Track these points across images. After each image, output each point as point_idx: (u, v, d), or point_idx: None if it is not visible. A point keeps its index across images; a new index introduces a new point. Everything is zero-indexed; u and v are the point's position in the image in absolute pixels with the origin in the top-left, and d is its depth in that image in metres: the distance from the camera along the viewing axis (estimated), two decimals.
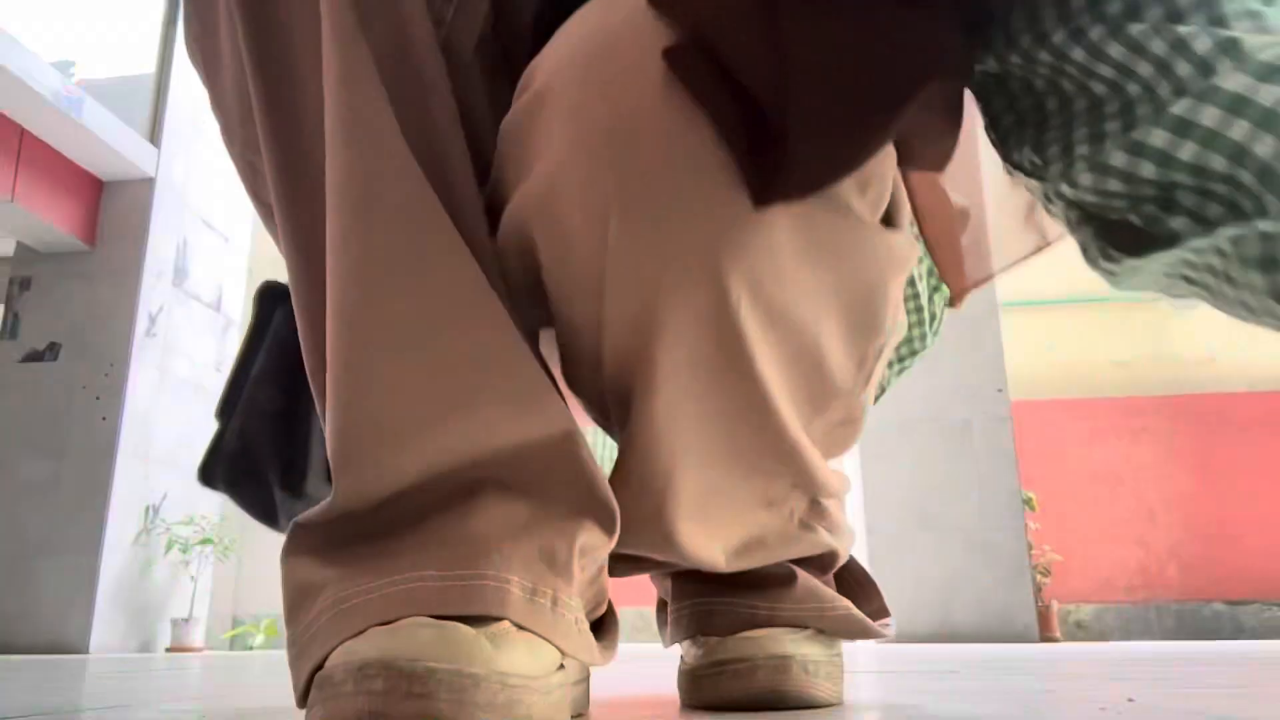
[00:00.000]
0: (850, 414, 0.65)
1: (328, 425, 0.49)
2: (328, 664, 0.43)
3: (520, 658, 0.45)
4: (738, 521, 0.64)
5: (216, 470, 0.81)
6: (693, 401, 0.56)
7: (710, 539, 0.63)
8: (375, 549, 0.47)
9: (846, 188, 0.52)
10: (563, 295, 0.56)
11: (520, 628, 0.46)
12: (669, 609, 0.75)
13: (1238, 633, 7.47)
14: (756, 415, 0.57)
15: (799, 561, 0.71)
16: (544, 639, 0.47)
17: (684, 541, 0.60)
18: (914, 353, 1.01)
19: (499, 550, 0.47)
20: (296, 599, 0.49)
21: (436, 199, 0.48)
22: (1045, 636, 4.59)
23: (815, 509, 0.68)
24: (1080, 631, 7.62)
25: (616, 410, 0.59)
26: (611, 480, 0.57)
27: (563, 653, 0.49)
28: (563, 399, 0.52)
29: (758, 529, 0.66)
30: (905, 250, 0.61)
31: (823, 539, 0.70)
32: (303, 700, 0.47)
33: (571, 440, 0.51)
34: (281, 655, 3.36)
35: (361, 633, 0.43)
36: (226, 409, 0.80)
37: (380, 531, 0.48)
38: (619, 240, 0.51)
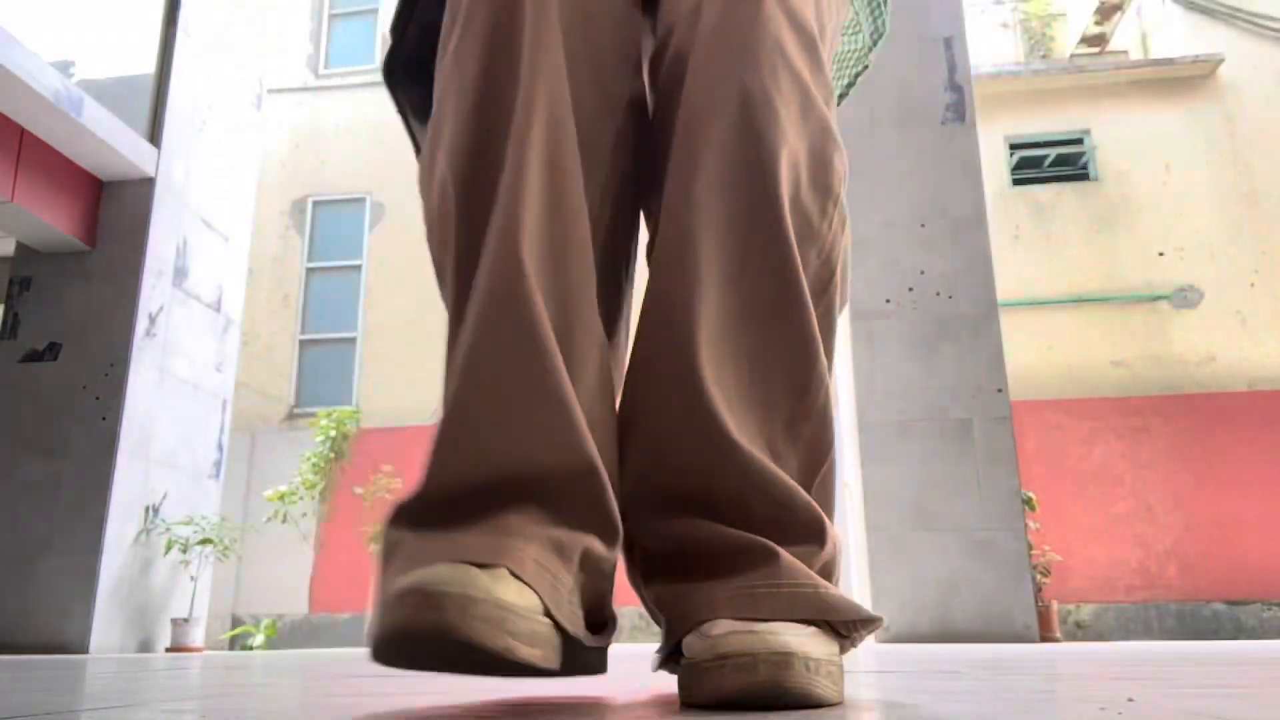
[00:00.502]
0: (822, 254, 0.85)
1: (436, 425, 0.72)
2: (379, 595, 0.63)
3: (512, 593, 0.62)
4: (756, 392, 0.78)
5: (397, 66, 1.03)
6: (719, 196, 0.78)
7: (728, 400, 0.76)
8: (440, 525, 0.68)
9: None
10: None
11: (516, 577, 0.63)
12: (663, 607, 0.77)
13: (1238, 633, 7.47)
14: (767, 218, 0.79)
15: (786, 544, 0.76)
16: (533, 590, 0.64)
17: (708, 382, 0.75)
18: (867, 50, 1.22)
19: (523, 533, 0.67)
20: (386, 553, 0.69)
21: (538, 328, 0.72)
22: (1045, 636, 4.59)
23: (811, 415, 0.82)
24: (1080, 631, 7.62)
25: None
26: (641, 318, 0.80)
27: (548, 611, 0.65)
28: (591, 444, 0.72)
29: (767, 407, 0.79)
30: None
31: (830, 438, 0.82)
32: None
33: (595, 474, 0.72)
34: (281, 655, 3.44)
35: (408, 573, 0.61)
36: (400, 22, 1.02)
37: (446, 515, 0.69)
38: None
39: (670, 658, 0.77)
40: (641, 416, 0.80)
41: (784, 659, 0.66)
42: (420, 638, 0.59)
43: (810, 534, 0.77)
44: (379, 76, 10.89)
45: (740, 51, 0.82)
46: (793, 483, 0.78)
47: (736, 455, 0.75)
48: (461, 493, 0.69)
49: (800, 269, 0.81)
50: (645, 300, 0.82)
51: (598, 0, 0.87)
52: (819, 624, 0.71)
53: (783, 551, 0.73)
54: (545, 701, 0.81)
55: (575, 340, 0.75)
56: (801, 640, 0.68)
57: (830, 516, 0.84)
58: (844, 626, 0.72)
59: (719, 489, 0.76)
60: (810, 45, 0.86)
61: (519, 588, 0.63)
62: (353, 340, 9.63)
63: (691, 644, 0.72)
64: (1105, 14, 10.12)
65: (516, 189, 0.75)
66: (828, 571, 0.79)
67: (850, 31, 1.15)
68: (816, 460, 0.83)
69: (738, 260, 0.79)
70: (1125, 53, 10.30)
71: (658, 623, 0.81)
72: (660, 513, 0.77)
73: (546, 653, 0.63)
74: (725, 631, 0.69)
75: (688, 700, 0.70)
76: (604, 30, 0.87)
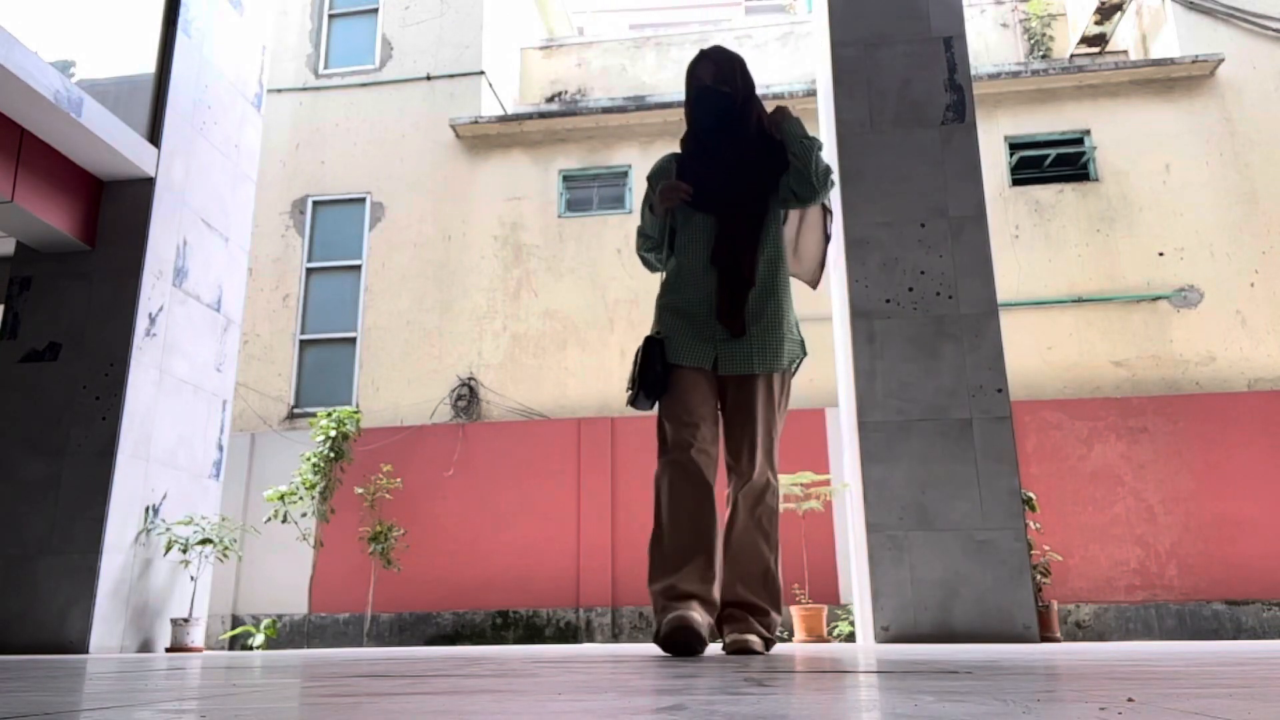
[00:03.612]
0: None
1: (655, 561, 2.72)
2: (662, 619, 2.58)
3: (703, 628, 2.54)
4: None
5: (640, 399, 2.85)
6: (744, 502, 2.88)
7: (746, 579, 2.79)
8: (678, 600, 2.60)
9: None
10: None
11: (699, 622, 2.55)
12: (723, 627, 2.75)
13: (1238, 633, 7.46)
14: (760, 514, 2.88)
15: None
16: (703, 629, 2.56)
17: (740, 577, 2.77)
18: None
19: (698, 612, 2.57)
20: (660, 607, 2.65)
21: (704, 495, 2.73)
22: (1045, 636, 4.58)
23: None
24: (1080, 631, 7.62)
25: None
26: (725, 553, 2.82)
27: (705, 636, 2.55)
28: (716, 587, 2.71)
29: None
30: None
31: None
32: (659, 630, 2.58)
33: (711, 602, 2.65)
34: (281, 655, 3.46)
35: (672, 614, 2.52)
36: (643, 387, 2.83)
37: (681, 598, 2.60)
38: None
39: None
40: (736, 561, 2.75)
41: (747, 640, 2.62)
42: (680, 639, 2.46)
43: (762, 615, 2.72)
44: (379, 76, 10.90)
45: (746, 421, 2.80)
46: (759, 601, 2.72)
47: (748, 595, 2.75)
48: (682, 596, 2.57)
49: (768, 519, 2.80)
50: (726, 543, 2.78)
51: (711, 415, 2.80)
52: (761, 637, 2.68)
53: (752, 619, 2.71)
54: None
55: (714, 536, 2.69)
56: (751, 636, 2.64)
57: (779, 609, 2.77)
58: (768, 641, 2.69)
59: (743, 601, 2.73)
60: (773, 407, 2.82)
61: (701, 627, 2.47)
62: (353, 340, 9.63)
63: (728, 638, 2.68)
64: (1105, 14, 10.12)
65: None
66: (765, 624, 2.71)
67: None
68: (774, 592, 2.75)
69: (749, 522, 2.78)
70: (1125, 53, 10.30)
71: (720, 634, 2.74)
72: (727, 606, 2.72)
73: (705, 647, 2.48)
74: (734, 637, 2.66)
75: (725, 648, 2.67)
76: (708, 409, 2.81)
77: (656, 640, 2.55)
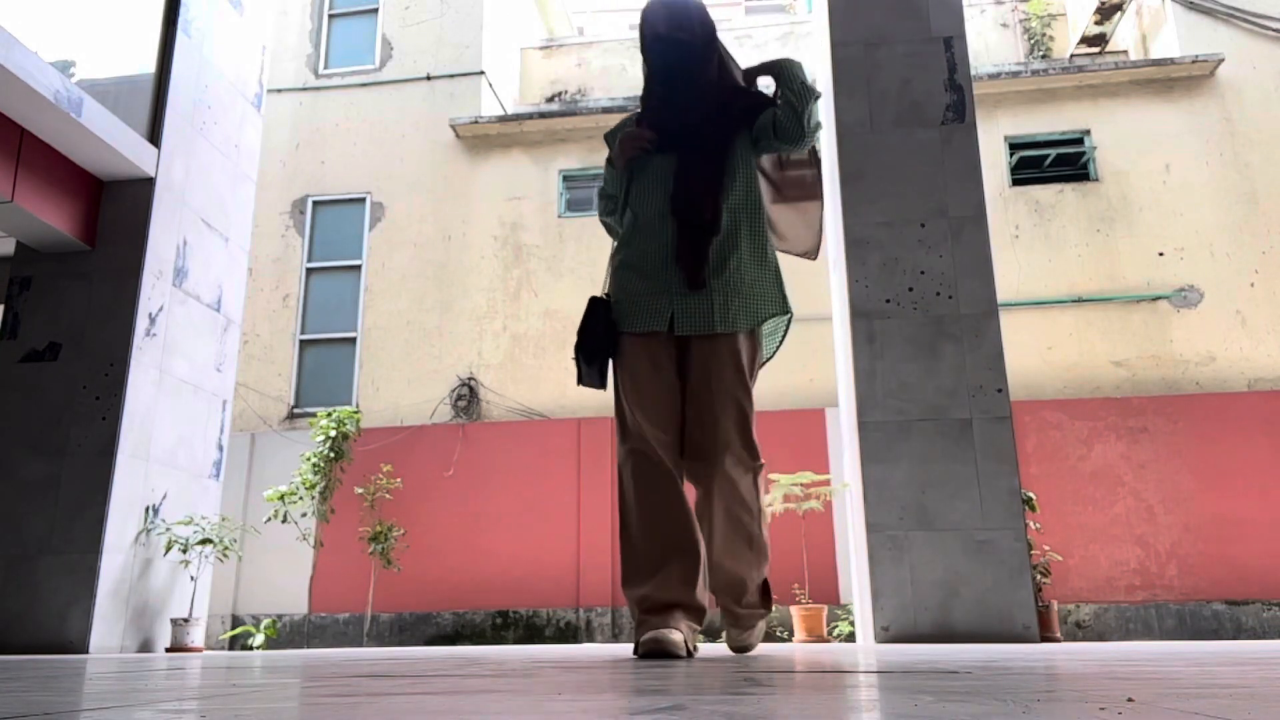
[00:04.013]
0: None
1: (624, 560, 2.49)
2: (644, 638, 2.27)
3: (683, 644, 2.25)
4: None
5: (583, 374, 2.53)
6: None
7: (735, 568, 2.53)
8: (657, 614, 2.34)
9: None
10: None
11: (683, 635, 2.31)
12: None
13: (1238, 633, 7.46)
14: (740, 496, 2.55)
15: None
16: (687, 643, 2.29)
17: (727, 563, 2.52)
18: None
19: (681, 623, 2.33)
20: (639, 621, 2.38)
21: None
22: (1045, 636, 4.59)
23: None
24: (1080, 631, 7.62)
25: None
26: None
27: (687, 648, 2.27)
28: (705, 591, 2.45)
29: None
30: None
31: None
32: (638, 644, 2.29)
33: (698, 608, 2.38)
34: (281, 655, 3.46)
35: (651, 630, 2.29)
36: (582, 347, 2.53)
37: (660, 611, 2.35)
38: None
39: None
40: (714, 571, 2.47)
41: (744, 643, 2.65)
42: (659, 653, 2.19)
43: (745, 591, 2.51)
44: (379, 76, 10.88)
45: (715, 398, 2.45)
46: (743, 575, 2.49)
47: (721, 569, 2.48)
48: (659, 608, 2.33)
49: (750, 518, 2.47)
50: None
51: (667, 392, 2.48)
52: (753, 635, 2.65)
53: (733, 608, 2.56)
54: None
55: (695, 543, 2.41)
56: (749, 636, 2.65)
57: (769, 607, 2.60)
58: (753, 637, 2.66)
59: (732, 613, 2.59)
60: (744, 385, 2.51)
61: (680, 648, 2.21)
62: (352, 340, 9.63)
63: (728, 637, 2.67)
64: (1105, 14, 10.12)
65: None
66: (751, 603, 2.55)
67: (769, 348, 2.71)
68: (765, 596, 2.58)
69: (728, 511, 2.45)
70: (1125, 53, 10.30)
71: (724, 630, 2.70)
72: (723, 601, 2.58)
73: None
74: (734, 634, 2.65)
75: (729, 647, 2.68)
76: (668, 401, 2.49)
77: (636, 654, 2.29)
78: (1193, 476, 7.80)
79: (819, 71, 5.64)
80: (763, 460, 2.52)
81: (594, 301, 2.52)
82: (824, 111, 5.46)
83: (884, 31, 4.90)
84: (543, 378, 9.14)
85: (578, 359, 2.48)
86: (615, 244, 2.63)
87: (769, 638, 7.48)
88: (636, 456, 2.41)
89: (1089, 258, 8.83)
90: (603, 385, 2.51)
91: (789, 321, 2.64)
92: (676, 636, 2.19)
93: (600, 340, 2.47)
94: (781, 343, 2.72)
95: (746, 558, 2.46)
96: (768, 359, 2.70)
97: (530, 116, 9.89)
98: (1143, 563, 7.66)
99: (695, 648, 2.33)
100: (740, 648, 2.61)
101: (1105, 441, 7.98)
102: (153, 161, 5.43)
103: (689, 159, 2.51)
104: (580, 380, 2.50)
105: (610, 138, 2.73)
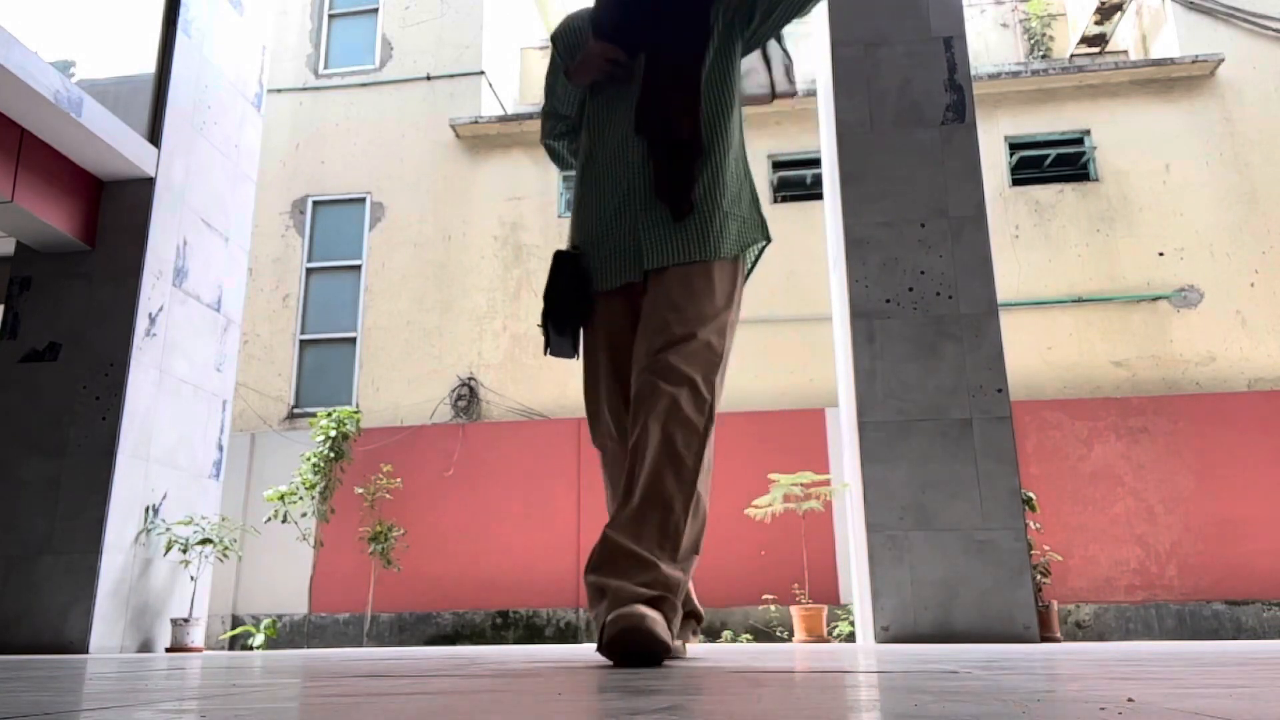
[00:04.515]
0: None
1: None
2: (610, 621, 1.71)
3: (661, 628, 1.71)
4: None
5: (550, 328, 2.17)
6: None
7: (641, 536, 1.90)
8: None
9: None
10: None
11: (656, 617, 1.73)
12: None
13: (1238, 633, 7.46)
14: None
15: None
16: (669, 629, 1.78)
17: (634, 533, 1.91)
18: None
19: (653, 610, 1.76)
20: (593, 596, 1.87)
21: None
22: (1045, 636, 4.59)
23: None
24: (1080, 631, 7.62)
25: None
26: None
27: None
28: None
29: None
30: None
31: None
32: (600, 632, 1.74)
33: (680, 586, 1.86)
34: (281, 655, 3.46)
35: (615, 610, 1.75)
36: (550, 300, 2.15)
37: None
38: None
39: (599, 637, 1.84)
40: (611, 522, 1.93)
41: (640, 614, 1.67)
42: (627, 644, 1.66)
43: (647, 570, 1.81)
44: (379, 76, 10.87)
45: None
46: (641, 551, 1.83)
47: (609, 540, 1.86)
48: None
49: (677, 475, 1.90)
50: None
51: (623, 342, 2.11)
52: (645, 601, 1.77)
53: (611, 582, 1.82)
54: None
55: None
56: (645, 609, 1.70)
57: (684, 562, 1.89)
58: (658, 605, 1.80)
59: (605, 556, 1.87)
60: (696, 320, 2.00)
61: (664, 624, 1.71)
62: (352, 340, 9.63)
63: (606, 623, 1.73)
64: (1105, 14, 10.12)
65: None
66: (660, 582, 1.80)
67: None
68: (684, 544, 1.90)
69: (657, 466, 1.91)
70: (1125, 53, 10.30)
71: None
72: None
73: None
74: (616, 613, 1.71)
75: (602, 639, 1.72)
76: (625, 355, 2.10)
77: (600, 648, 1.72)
78: (1193, 476, 7.80)
79: (819, 71, 5.64)
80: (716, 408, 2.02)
81: (559, 258, 2.14)
82: (824, 111, 5.46)
83: (884, 31, 4.90)
84: (543, 378, 9.14)
85: (545, 327, 2.13)
86: (575, 180, 2.22)
87: (769, 637, 7.48)
88: (607, 452, 2.15)
89: (1089, 258, 8.83)
90: (574, 354, 2.18)
91: (759, 253, 2.23)
92: (655, 615, 1.73)
93: (570, 304, 2.11)
94: (752, 266, 2.25)
95: (669, 481, 1.87)
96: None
97: (530, 116, 9.89)
98: (1143, 563, 7.66)
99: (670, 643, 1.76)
100: (642, 629, 1.66)
101: (1105, 441, 7.98)
102: (153, 161, 5.43)
103: (658, 69, 2.10)
104: (548, 348, 2.16)
105: (561, 39, 2.30)
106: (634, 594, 1.74)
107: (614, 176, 2.10)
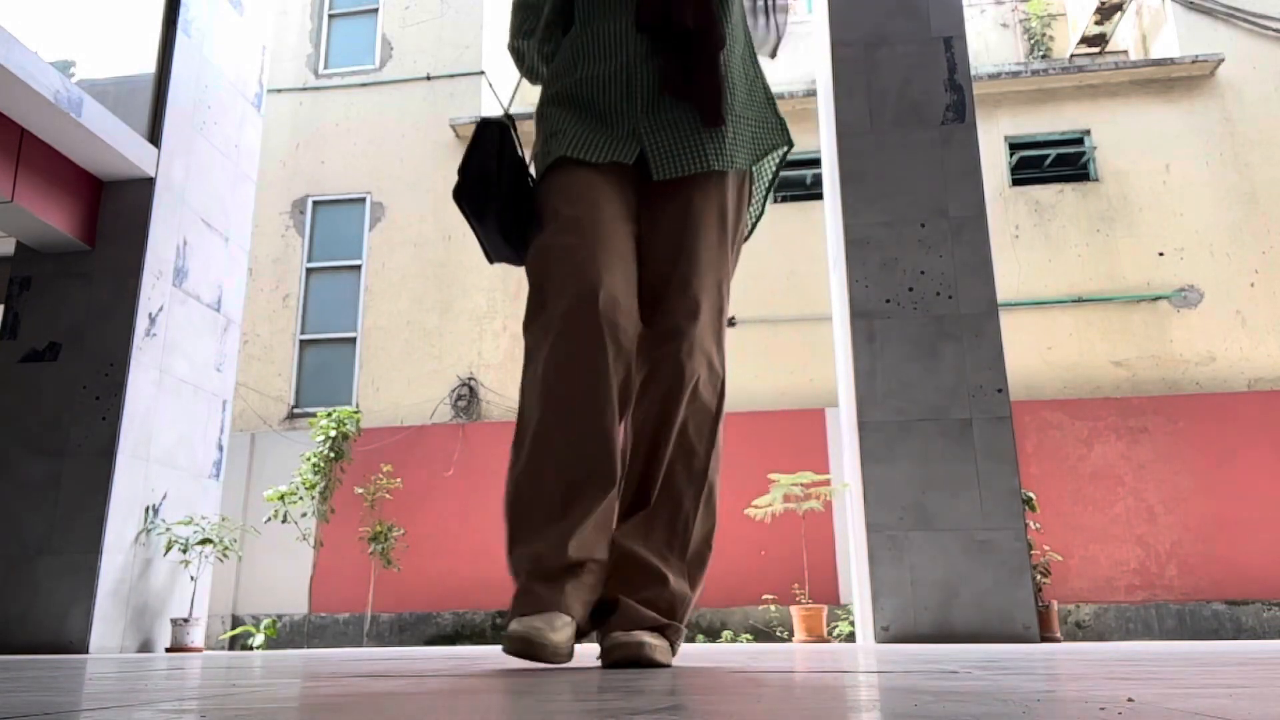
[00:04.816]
0: None
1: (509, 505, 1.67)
2: (514, 625, 1.51)
3: (564, 636, 1.52)
4: None
5: (464, 194, 1.72)
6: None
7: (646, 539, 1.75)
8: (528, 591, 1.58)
9: None
10: None
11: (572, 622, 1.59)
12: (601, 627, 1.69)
13: (1238, 633, 7.46)
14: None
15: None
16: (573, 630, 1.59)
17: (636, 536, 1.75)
18: None
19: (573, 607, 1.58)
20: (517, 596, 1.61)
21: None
22: (1045, 636, 4.59)
23: None
24: (1080, 631, 7.62)
25: None
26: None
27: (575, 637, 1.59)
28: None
29: None
30: None
31: None
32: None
33: (688, 602, 1.69)
34: (281, 655, 3.46)
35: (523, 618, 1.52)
36: (466, 166, 1.73)
37: (538, 575, 1.59)
38: None
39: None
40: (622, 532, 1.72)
41: (642, 644, 1.54)
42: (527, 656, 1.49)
43: (656, 581, 1.66)
44: (379, 76, 10.85)
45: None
46: (648, 559, 1.66)
47: (618, 547, 1.68)
48: (556, 573, 1.57)
49: (689, 472, 1.73)
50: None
51: (621, 231, 1.71)
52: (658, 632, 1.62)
53: (622, 599, 1.64)
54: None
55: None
56: (649, 635, 1.57)
57: (696, 585, 1.72)
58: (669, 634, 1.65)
59: (640, 561, 1.67)
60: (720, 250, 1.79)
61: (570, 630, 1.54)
62: (352, 340, 9.63)
63: (605, 643, 1.60)
64: (1105, 14, 10.12)
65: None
66: (666, 600, 1.65)
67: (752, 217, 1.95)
68: (694, 545, 1.72)
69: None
70: (1125, 53, 10.30)
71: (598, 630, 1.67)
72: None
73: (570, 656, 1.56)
74: (617, 636, 1.58)
75: (603, 662, 1.59)
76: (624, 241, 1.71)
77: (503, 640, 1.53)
78: (1193, 476, 7.80)
79: (819, 71, 5.64)
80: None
81: (485, 125, 1.76)
82: (824, 111, 5.46)
83: (884, 31, 4.90)
84: None
85: (461, 205, 1.71)
86: (549, 76, 1.85)
87: (769, 637, 7.48)
88: (568, 331, 1.60)
89: (1089, 258, 8.83)
90: (513, 256, 1.76)
91: (780, 162, 1.92)
92: (556, 637, 1.48)
93: (491, 176, 1.69)
94: (766, 201, 1.97)
95: (681, 481, 1.69)
96: (753, 226, 1.96)
97: (530, 116, 9.88)
98: (1143, 563, 7.66)
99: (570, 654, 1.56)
100: (643, 659, 1.54)
101: (1105, 441, 7.98)
102: (153, 161, 5.44)
103: None
104: (487, 251, 1.76)
105: None
106: (638, 617, 1.60)
107: (609, 64, 1.74)
